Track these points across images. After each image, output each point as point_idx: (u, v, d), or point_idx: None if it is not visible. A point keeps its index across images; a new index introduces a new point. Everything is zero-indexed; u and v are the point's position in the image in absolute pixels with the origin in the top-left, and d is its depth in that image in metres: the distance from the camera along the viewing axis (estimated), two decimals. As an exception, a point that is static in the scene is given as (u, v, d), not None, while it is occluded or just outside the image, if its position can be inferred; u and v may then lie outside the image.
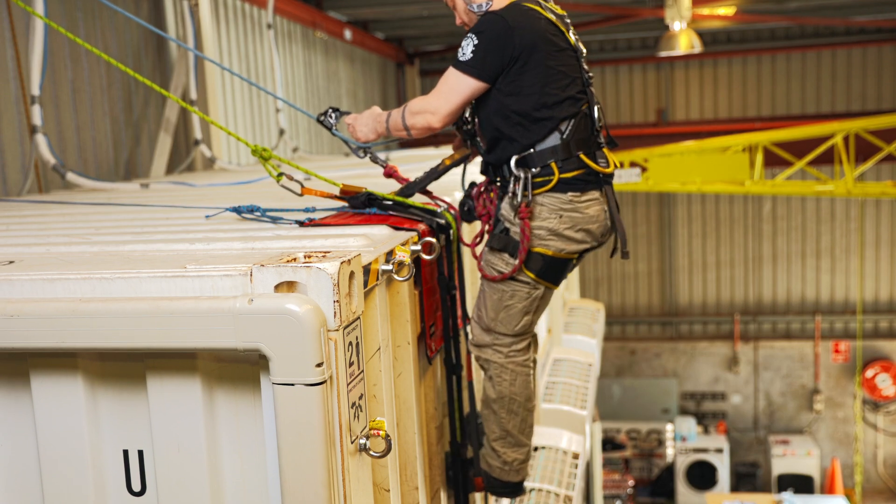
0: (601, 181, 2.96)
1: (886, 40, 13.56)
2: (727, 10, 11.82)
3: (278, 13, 8.88)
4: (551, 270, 2.95)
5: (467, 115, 3.06)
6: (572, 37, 2.97)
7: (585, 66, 2.98)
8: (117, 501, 2.03)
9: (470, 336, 3.11)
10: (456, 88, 2.86)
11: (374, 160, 3.13)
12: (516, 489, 3.22)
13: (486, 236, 3.11)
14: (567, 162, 2.87)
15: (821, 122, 11.32)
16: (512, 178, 2.87)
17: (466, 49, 2.84)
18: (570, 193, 2.89)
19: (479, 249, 3.19)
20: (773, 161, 10.69)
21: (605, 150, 3.02)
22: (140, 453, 2.00)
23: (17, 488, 2.06)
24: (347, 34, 11.07)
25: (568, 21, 3.00)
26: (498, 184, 3.03)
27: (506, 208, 2.95)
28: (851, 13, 12.58)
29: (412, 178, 3.10)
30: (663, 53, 11.46)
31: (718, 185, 10.67)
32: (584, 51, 3.01)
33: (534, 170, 2.86)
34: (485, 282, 3.01)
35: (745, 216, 14.66)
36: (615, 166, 3.02)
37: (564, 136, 2.86)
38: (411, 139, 3.07)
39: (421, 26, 12.85)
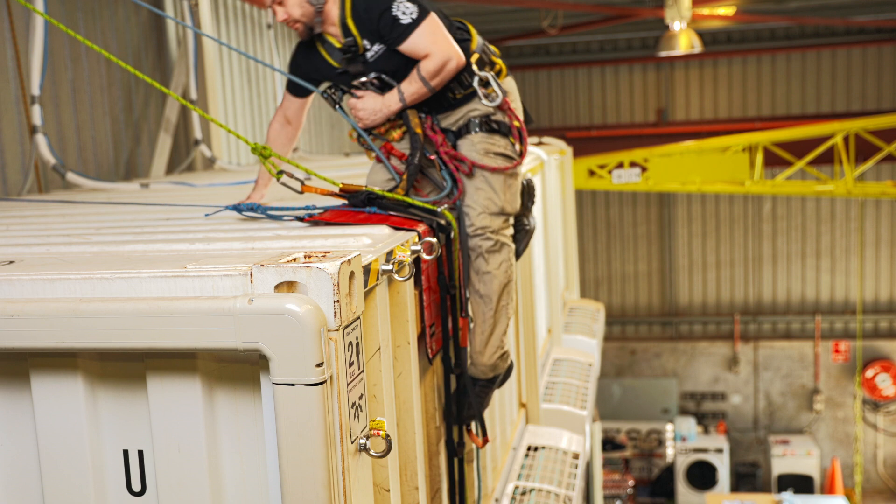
0: None
1: (886, 40, 13.56)
2: (727, 10, 11.82)
3: (278, 13, 8.86)
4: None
5: (373, 76, 3.08)
6: None
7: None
8: (117, 501, 2.03)
9: (478, 230, 3.07)
10: (440, 29, 3.01)
11: (370, 147, 3.15)
12: (507, 375, 3.31)
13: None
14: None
15: (821, 122, 11.34)
16: (476, 79, 3.10)
17: (408, 6, 2.96)
18: (509, 77, 3.31)
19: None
20: (773, 161, 10.70)
21: None
22: (140, 453, 2.00)
23: (17, 488, 2.06)
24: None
25: None
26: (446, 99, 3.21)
27: (476, 104, 3.14)
28: (851, 13, 12.57)
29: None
30: (663, 53, 11.46)
31: (718, 185, 10.68)
32: None
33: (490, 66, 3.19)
34: (485, 173, 3.09)
35: (745, 216, 14.66)
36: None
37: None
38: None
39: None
